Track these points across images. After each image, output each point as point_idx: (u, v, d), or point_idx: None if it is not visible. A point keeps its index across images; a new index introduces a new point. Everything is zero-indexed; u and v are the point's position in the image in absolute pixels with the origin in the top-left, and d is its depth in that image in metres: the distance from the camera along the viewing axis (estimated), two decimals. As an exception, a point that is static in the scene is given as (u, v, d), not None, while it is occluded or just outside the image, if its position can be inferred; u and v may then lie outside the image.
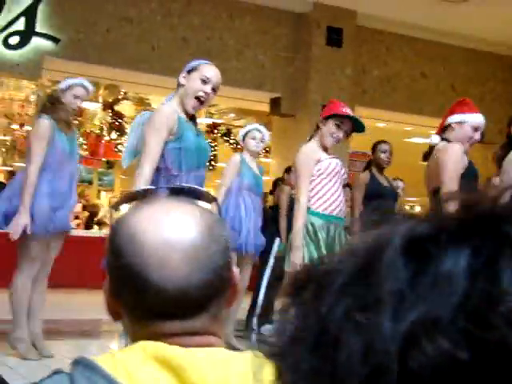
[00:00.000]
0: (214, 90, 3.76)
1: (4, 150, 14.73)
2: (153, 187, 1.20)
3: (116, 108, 13.03)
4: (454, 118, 4.31)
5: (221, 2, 8.93)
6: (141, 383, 0.96)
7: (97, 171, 16.02)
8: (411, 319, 0.38)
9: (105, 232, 10.87)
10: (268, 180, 8.10)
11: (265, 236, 5.86)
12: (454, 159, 4.13)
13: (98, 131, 13.49)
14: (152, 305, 1.02)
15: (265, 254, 6.27)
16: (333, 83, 9.12)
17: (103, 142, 13.80)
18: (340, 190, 4.52)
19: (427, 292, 0.38)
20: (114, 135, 13.52)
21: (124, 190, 13.23)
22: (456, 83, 10.31)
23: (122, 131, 13.34)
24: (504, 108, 10.25)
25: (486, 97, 10.45)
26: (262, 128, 5.88)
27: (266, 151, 10.16)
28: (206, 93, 3.70)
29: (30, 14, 8.01)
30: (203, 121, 12.58)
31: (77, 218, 11.94)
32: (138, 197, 1.16)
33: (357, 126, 4.48)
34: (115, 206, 1.17)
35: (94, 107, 12.72)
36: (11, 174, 12.98)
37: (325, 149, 4.45)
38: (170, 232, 1.02)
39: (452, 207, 0.43)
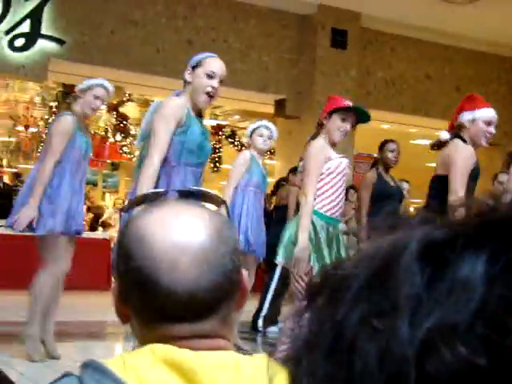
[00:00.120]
0: (221, 81, 3.78)
1: (9, 151, 14.77)
2: (162, 190, 1.20)
3: (121, 110, 13.06)
4: (465, 117, 4.28)
5: (225, 5, 8.96)
6: None
7: (101, 173, 16.07)
8: (429, 325, 0.37)
9: (109, 234, 10.89)
10: (272, 182, 8.10)
11: (269, 237, 5.71)
12: (464, 155, 4.14)
13: (102, 133, 13.52)
14: (161, 307, 1.02)
15: (271, 255, 6.21)
16: (337, 85, 9.13)
17: (108, 143, 13.83)
18: (343, 191, 4.48)
19: (444, 298, 0.38)
20: (118, 137, 13.56)
21: (128, 191, 13.24)
22: (460, 85, 10.32)
23: (126, 133, 13.38)
24: (508, 110, 10.24)
25: (490, 98, 10.38)
26: (270, 125, 5.74)
27: (271, 153, 10.16)
28: (213, 87, 3.73)
29: (35, 16, 8.07)
30: (208, 122, 12.59)
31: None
32: (147, 200, 1.16)
33: (361, 117, 4.44)
34: (125, 209, 1.18)
35: (98, 109, 12.72)
36: (16, 176, 13.01)
37: (333, 145, 4.40)
38: (180, 235, 1.02)
39: (464, 212, 0.43)
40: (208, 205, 1.15)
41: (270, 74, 9.26)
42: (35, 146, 13.25)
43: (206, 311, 1.03)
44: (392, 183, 6.18)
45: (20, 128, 13.45)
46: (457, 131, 4.31)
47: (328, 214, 4.30)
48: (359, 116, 4.40)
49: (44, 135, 12.30)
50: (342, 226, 6.91)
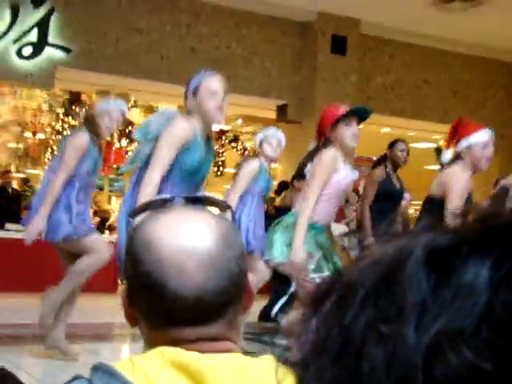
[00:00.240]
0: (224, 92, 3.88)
1: (17, 157, 14.93)
2: (169, 196, 1.22)
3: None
4: (461, 146, 4.39)
5: (228, 13, 9.08)
6: None
7: (108, 177, 16.19)
8: (435, 330, 0.38)
9: (116, 237, 11.01)
10: (274, 186, 8.21)
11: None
12: (461, 182, 4.31)
13: (108, 138, 13.64)
14: (169, 311, 1.03)
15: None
16: (338, 90, 9.26)
17: (114, 149, 13.97)
18: (338, 204, 4.58)
19: (450, 303, 0.38)
20: (124, 142, 13.70)
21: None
22: (457, 89, 10.44)
23: (131, 138, 13.51)
24: (505, 114, 10.38)
25: (487, 103, 10.57)
26: (280, 133, 5.73)
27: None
28: (220, 104, 3.81)
29: (42, 25, 8.22)
30: (212, 127, 12.69)
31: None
32: (154, 206, 1.19)
33: (362, 116, 4.51)
34: (133, 215, 1.21)
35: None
36: (24, 181, 13.19)
37: (348, 153, 4.49)
38: (186, 240, 1.04)
39: (462, 220, 0.44)
40: (213, 210, 1.19)
41: (273, 79, 9.38)
42: (43, 151, 13.43)
43: (213, 315, 1.05)
44: (398, 186, 6.22)
45: (28, 134, 13.59)
46: (458, 155, 4.43)
47: (319, 224, 4.41)
48: (360, 115, 4.49)
49: (51, 141, 12.52)
50: (343, 228, 7.01)
